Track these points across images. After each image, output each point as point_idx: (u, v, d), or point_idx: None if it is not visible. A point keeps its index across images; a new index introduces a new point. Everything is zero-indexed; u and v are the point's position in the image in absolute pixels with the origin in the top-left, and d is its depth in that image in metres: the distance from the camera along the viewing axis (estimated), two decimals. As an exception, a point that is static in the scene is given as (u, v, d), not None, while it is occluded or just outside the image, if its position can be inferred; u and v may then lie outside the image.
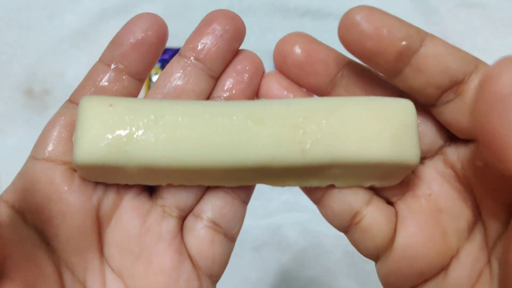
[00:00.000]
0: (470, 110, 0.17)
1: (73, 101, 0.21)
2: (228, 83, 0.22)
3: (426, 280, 0.20)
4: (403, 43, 0.18)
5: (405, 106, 0.20)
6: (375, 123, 0.19)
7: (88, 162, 0.19)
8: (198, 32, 0.22)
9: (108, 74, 0.21)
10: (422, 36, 0.19)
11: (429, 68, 0.18)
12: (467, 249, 0.20)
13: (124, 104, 0.19)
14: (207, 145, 0.19)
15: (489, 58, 0.58)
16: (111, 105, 0.19)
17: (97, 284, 0.20)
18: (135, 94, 0.22)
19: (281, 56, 0.21)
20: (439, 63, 0.18)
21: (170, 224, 0.21)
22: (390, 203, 0.21)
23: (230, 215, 0.22)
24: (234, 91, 0.22)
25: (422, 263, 0.20)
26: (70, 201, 0.19)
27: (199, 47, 0.22)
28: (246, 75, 0.22)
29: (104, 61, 0.21)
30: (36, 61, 0.54)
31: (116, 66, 0.21)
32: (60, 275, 0.19)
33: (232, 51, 0.22)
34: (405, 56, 0.18)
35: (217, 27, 0.21)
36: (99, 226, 0.21)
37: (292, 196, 0.53)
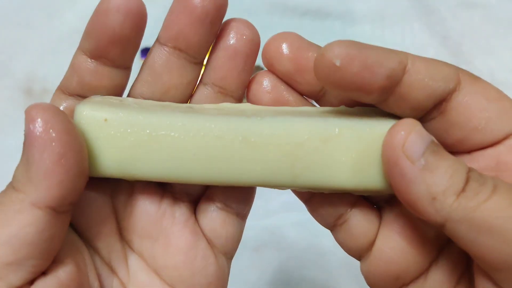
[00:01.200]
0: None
1: (64, 91, 0.21)
2: (219, 71, 0.21)
3: (404, 284, 0.21)
4: (386, 79, 0.18)
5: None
6: (369, 150, 0.19)
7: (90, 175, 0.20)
8: (174, 16, 0.21)
9: (91, 68, 0.20)
10: (404, 63, 0.18)
11: (412, 95, 0.19)
12: (446, 253, 0.21)
13: (119, 118, 0.20)
14: (200, 163, 0.20)
15: (489, 58, 0.58)
16: (106, 120, 0.20)
17: (121, 265, 0.22)
18: (124, 82, 0.21)
19: (268, 63, 0.21)
20: (422, 89, 0.19)
21: (182, 208, 0.22)
22: (377, 205, 0.22)
23: (240, 197, 0.22)
24: (227, 79, 0.21)
25: (398, 267, 0.20)
26: (85, 192, 0.20)
27: (177, 36, 0.21)
28: (240, 60, 0.21)
29: (85, 52, 0.20)
30: (36, 60, 0.54)
31: (97, 61, 0.20)
32: (92, 258, 0.21)
33: (214, 33, 0.21)
34: (388, 89, 0.18)
35: (195, 9, 0.20)
36: (116, 213, 0.22)
37: (292, 196, 0.53)
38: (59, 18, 0.55)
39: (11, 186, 0.18)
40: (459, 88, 0.19)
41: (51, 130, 0.17)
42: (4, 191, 0.18)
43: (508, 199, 0.17)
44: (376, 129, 0.19)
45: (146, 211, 0.22)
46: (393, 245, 0.21)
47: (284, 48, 0.21)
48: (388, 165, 0.18)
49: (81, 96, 0.21)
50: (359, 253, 0.22)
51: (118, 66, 0.21)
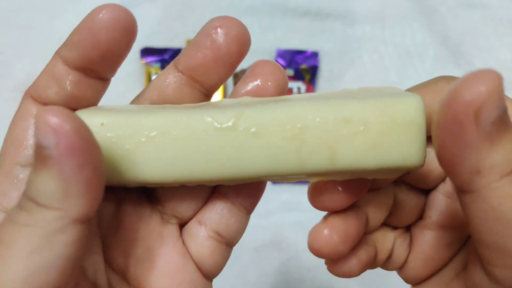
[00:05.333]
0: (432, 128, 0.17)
1: (38, 99, 0.20)
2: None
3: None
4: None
5: (412, 104, 0.18)
6: (377, 128, 0.18)
7: None
8: (198, 49, 0.20)
9: (74, 80, 0.19)
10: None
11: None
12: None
13: (116, 121, 0.19)
14: (201, 159, 0.19)
15: (489, 58, 0.58)
16: (102, 124, 0.19)
17: (104, 285, 0.20)
18: (104, 91, 0.21)
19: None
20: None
21: (170, 229, 0.22)
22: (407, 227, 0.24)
23: (234, 227, 0.22)
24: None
25: (420, 278, 0.23)
26: None
27: (197, 68, 0.20)
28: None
29: (66, 62, 0.19)
30: (36, 61, 0.54)
31: (79, 72, 0.19)
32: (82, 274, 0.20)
33: (231, 73, 0.21)
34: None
35: (220, 49, 0.20)
36: (100, 229, 0.21)
37: (292, 196, 0.53)
38: (59, 18, 0.55)
39: (34, 203, 0.16)
40: None
41: (86, 141, 0.16)
42: (28, 211, 0.16)
43: None
44: (388, 100, 0.19)
45: (132, 228, 0.21)
46: (416, 265, 0.23)
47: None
48: (447, 119, 0.16)
49: (58, 105, 0.19)
50: (394, 269, 0.24)
51: (102, 78, 0.20)
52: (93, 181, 0.16)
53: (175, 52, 0.55)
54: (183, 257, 0.21)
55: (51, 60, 0.19)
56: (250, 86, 0.20)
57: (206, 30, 0.20)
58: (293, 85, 0.55)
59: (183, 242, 0.22)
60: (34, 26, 0.55)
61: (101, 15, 0.18)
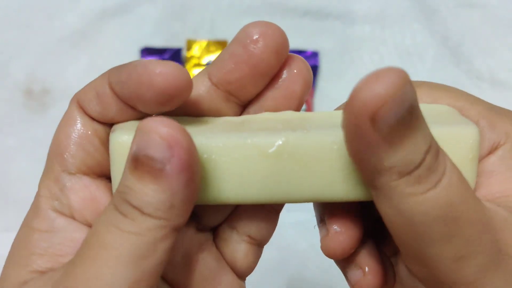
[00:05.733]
0: None
1: (80, 105, 0.20)
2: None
3: None
4: None
5: (468, 137, 0.18)
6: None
7: None
8: (234, 62, 0.19)
9: (118, 107, 0.19)
10: None
11: None
12: None
13: None
14: (246, 184, 0.18)
15: (489, 58, 0.58)
16: None
17: None
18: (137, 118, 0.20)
19: None
20: None
21: (205, 235, 0.22)
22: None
23: (265, 229, 0.22)
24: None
25: None
26: None
27: (233, 83, 0.19)
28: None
29: (113, 88, 0.19)
30: (36, 61, 0.54)
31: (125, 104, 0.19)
32: None
33: (267, 83, 0.20)
34: None
35: (260, 63, 0.19)
36: None
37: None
38: (59, 19, 0.55)
39: (140, 212, 0.16)
40: None
41: (195, 158, 0.16)
42: (133, 219, 0.16)
43: (440, 199, 0.16)
44: (446, 130, 0.18)
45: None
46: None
47: None
48: (348, 118, 0.15)
49: (96, 120, 0.20)
50: None
51: (144, 113, 0.20)
52: (194, 195, 0.17)
53: (175, 52, 0.55)
54: (218, 261, 0.22)
55: (101, 77, 0.19)
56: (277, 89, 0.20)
57: (243, 40, 0.19)
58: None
59: (217, 247, 0.22)
60: (34, 26, 0.55)
61: (158, 71, 0.18)
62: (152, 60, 0.18)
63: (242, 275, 0.23)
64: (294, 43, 0.55)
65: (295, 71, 0.20)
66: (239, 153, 0.18)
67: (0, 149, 0.51)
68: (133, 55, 0.54)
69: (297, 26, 0.56)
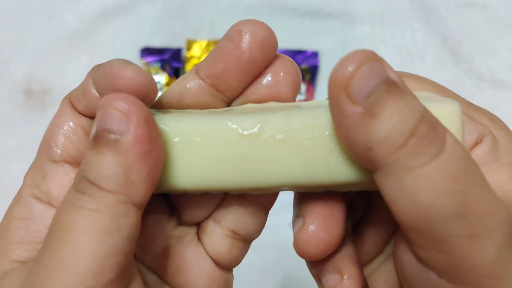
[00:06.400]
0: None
1: (72, 102, 0.20)
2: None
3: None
4: None
5: (450, 112, 0.18)
6: None
7: None
8: (221, 54, 0.19)
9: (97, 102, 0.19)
10: None
11: None
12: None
13: None
14: (225, 167, 0.18)
15: (489, 58, 0.58)
16: None
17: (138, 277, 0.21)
18: None
19: None
20: None
21: (186, 229, 0.22)
22: None
23: (251, 225, 0.22)
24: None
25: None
26: None
27: (219, 75, 0.19)
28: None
29: (95, 86, 0.19)
30: (36, 61, 0.54)
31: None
32: None
33: (253, 79, 0.20)
34: None
35: (243, 54, 0.19)
36: None
37: (292, 196, 0.53)
38: (59, 18, 0.55)
39: (96, 187, 0.16)
40: None
41: (150, 128, 0.17)
42: (87, 194, 0.16)
43: (444, 170, 0.15)
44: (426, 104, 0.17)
45: (149, 230, 0.21)
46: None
47: None
48: (330, 103, 0.16)
49: (82, 114, 0.20)
50: None
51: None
52: (153, 170, 0.17)
53: (175, 52, 0.55)
54: (197, 253, 0.22)
55: (88, 74, 0.20)
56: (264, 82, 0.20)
57: (230, 35, 0.19)
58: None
59: (199, 239, 0.22)
60: (34, 26, 0.55)
61: (122, 74, 0.18)
62: (120, 62, 0.18)
63: (227, 268, 0.22)
64: (294, 43, 0.55)
65: (281, 73, 0.20)
66: (218, 134, 0.18)
67: (0, 149, 0.51)
68: (133, 55, 0.54)
69: (297, 26, 0.56)
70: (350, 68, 0.15)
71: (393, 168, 0.15)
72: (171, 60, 0.54)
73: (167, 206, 0.22)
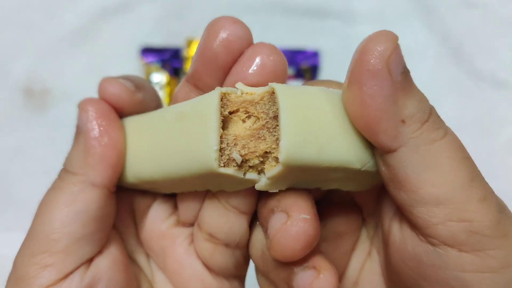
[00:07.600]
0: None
1: None
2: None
3: None
4: None
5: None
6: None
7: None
8: (194, 56, 0.20)
9: None
10: None
11: None
12: (357, 250, 0.23)
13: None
14: (167, 154, 0.19)
15: (489, 58, 0.58)
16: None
17: (145, 264, 0.23)
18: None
19: None
20: None
21: (182, 230, 0.23)
22: None
23: (225, 228, 0.21)
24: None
25: None
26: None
27: (194, 75, 0.21)
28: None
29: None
30: (36, 61, 0.54)
31: None
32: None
33: (225, 73, 0.20)
34: None
35: (206, 51, 0.20)
36: (134, 217, 0.23)
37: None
38: (59, 18, 0.55)
39: (65, 171, 0.20)
40: None
41: (106, 120, 0.20)
42: (60, 177, 0.21)
43: (455, 142, 0.17)
44: None
45: (151, 228, 0.23)
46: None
47: None
48: (363, 74, 0.17)
49: None
50: None
51: None
52: (108, 154, 0.20)
53: (175, 52, 0.55)
54: (187, 255, 0.22)
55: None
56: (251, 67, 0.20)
57: (202, 33, 0.20)
58: (294, 84, 0.55)
59: (192, 241, 0.23)
60: (34, 26, 0.55)
61: (106, 89, 0.22)
62: (110, 79, 0.22)
63: (218, 274, 0.22)
64: (295, 42, 0.55)
65: (255, 67, 0.19)
66: (156, 120, 0.20)
67: (0, 149, 0.51)
68: (133, 55, 0.54)
69: (297, 25, 0.56)
70: (390, 43, 0.16)
71: (420, 141, 0.17)
72: (171, 60, 0.54)
73: (171, 205, 0.23)
